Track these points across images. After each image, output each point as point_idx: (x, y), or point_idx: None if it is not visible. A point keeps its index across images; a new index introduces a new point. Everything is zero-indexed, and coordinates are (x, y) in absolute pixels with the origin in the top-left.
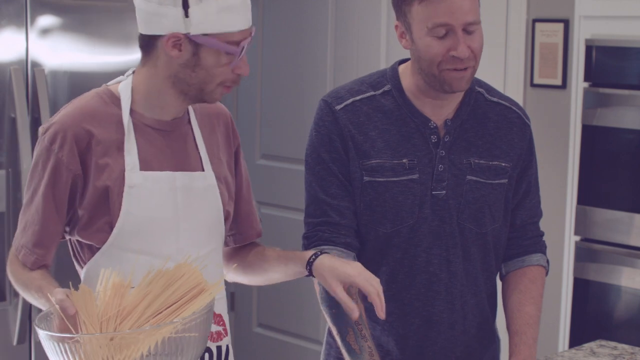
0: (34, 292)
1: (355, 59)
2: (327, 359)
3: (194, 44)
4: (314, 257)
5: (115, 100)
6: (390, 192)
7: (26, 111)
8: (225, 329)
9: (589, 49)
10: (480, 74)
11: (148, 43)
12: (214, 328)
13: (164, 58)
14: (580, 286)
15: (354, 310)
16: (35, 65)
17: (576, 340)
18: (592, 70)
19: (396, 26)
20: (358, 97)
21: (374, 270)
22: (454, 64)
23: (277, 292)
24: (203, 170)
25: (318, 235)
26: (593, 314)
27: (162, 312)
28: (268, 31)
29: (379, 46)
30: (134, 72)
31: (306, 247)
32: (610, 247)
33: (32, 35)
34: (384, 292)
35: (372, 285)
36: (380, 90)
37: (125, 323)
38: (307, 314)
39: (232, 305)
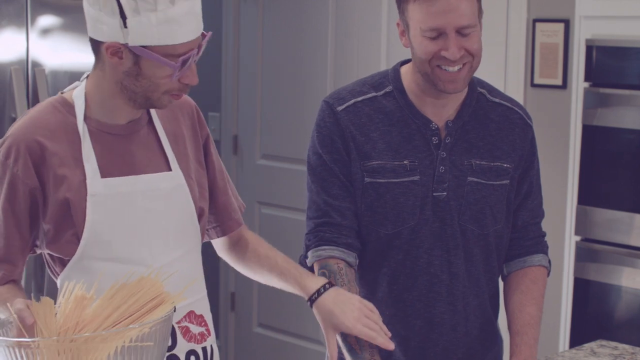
0: (0, 306)
1: (355, 59)
2: None
3: (134, 54)
4: (316, 295)
5: (70, 108)
6: (391, 194)
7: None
8: (208, 329)
9: (589, 49)
10: (480, 74)
11: (94, 47)
12: (196, 329)
13: (108, 64)
14: (581, 286)
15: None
16: (36, 65)
17: (577, 340)
18: (593, 70)
19: (397, 24)
20: (360, 98)
21: (375, 272)
22: (444, 62)
23: (277, 292)
24: (170, 170)
25: (319, 235)
26: (593, 314)
27: (120, 322)
28: (268, 31)
29: (380, 46)
30: (87, 78)
31: (308, 247)
32: (610, 247)
33: (33, 35)
34: (386, 294)
35: (372, 329)
36: (382, 92)
37: (83, 333)
38: (308, 314)
39: (232, 306)
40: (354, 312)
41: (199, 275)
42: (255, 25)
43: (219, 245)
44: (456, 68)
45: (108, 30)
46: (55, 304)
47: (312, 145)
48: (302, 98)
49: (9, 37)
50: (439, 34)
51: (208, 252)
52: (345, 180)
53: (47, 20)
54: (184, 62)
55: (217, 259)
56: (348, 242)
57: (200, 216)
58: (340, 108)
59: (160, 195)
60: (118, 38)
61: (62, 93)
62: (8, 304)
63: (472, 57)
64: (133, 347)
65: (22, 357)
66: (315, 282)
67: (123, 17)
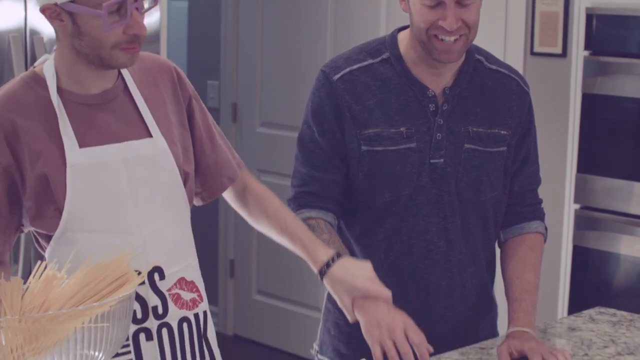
0: None
1: (355, 24)
2: (326, 324)
3: (68, 12)
4: (325, 268)
5: (41, 82)
6: (388, 161)
7: None
8: (200, 295)
9: (589, 17)
10: (480, 42)
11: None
12: (188, 296)
13: (58, 30)
14: (580, 254)
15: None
16: (34, 33)
17: (575, 307)
18: (593, 38)
19: None
20: (355, 66)
21: (372, 239)
22: (441, 32)
23: (276, 259)
24: (151, 136)
25: (298, 201)
26: (592, 282)
27: (83, 302)
28: None
29: (379, 11)
30: (55, 50)
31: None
32: (609, 215)
33: (31, 3)
34: (382, 261)
35: (383, 294)
36: (379, 58)
37: (45, 317)
38: (307, 281)
39: (231, 273)
40: (366, 272)
41: (188, 241)
42: None
43: (227, 196)
44: (452, 39)
45: None
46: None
47: (305, 114)
48: (301, 65)
49: (7, 5)
50: (438, 3)
51: (207, 220)
52: (330, 152)
53: None
54: (118, 11)
55: (216, 226)
56: (326, 207)
57: (185, 181)
58: (336, 77)
59: (143, 162)
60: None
61: (33, 67)
62: None
63: (469, 30)
64: (92, 328)
65: None
66: (324, 253)
67: None
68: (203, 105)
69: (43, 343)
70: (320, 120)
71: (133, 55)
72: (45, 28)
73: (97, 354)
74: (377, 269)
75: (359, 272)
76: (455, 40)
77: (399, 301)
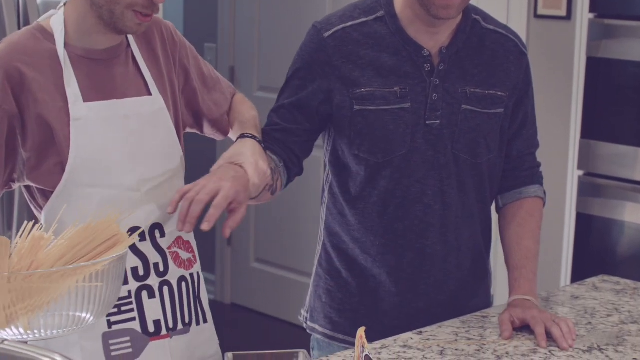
0: None
1: None
2: (316, 290)
3: None
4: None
5: (48, 35)
6: (381, 121)
7: None
8: (194, 256)
9: None
10: (482, 5)
11: None
12: (185, 255)
13: None
14: (583, 221)
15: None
16: None
17: (579, 275)
18: (598, 0)
19: None
20: (349, 24)
21: (365, 201)
22: None
23: (274, 226)
24: (150, 94)
25: (269, 137)
26: (596, 249)
27: (73, 262)
28: None
29: None
30: (65, 5)
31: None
32: (614, 182)
33: None
34: (376, 224)
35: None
36: (373, 16)
37: (35, 275)
38: (304, 249)
39: (229, 240)
40: (259, 157)
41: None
42: None
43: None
44: None
45: None
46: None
47: (291, 65)
48: (300, 28)
49: None
50: None
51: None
52: (297, 107)
53: None
54: None
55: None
56: (275, 150)
57: (179, 138)
58: (327, 34)
59: (143, 119)
60: None
61: (38, 22)
62: None
63: None
64: (85, 287)
65: None
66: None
67: None
68: (195, 53)
69: (35, 302)
70: (302, 75)
71: (142, 24)
72: None
73: (87, 315)
74: (371, 231)
75: (253, 151)
76: None
77: (393, 265)
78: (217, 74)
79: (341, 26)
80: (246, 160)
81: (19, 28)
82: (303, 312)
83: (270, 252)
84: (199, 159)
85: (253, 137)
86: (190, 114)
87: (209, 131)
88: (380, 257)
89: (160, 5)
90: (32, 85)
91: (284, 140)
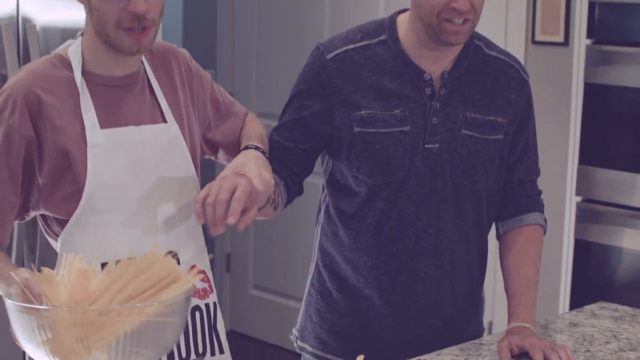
0: None
1: (353, 15)
2: (308, 309)
3: None
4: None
5: (66, 63)
6: (380, 144)
7: (17, 68)
8: (210, 286)
9: (591, 5)
10: (481, 30)
11: None
12: (200, 285)
13: (84, 7)
14: (582, 247)
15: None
16: (27, 21)
17: (577, 302)
18: (595, 27)
19: None
20: (351, 46)
21: (360, 222)
22: (452, 15)
23: (273, 253)
24: (165, 122)
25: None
26: (594, 276)
27: (134, 298)
28: None
29: (378, 1)
30: (82, 34)
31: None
32: (612, 208)
33: None
34: (370, 245)
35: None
36: (376, 40)
37: (99, 306)
38: (303, 276)
39: (227, 267)
40: (264, 169)
41: (199, 229)
42: None
43: None
44: (461, 20)
45: None
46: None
47: (294, 85)
48: (299, 55)
49: None
50: None
51: None
52: (299, 125)
53: None
54: None
55: None
56: (279, 171)
57: (196, 167)
58: (329, 56)
59: (160, 146)
60: None
61: (57, 52)
62: (12, 273)
63: (475, 14)
64: (149, 325)
65: (36, 326)
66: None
67: None
68: (209, 80)
69: (104, 335)
70: (306, 96)
71: (138, 41)
72: (38, 15)
73: (149, 352)
74: (364, 252)
75: (257, 162)
76: (464, 22)
77: (385, 287)
78: (230, 97)
79: (343, 48)
80: (249, 170)
81: (19, 55)
82: (294, 331)
83: (269, 279)
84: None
85: (257, 148)
86: (207, 143)
87: (223, 157)
88: (373, 278)
89: (160, 33)
90: (50, 112)
91: (284, 159)
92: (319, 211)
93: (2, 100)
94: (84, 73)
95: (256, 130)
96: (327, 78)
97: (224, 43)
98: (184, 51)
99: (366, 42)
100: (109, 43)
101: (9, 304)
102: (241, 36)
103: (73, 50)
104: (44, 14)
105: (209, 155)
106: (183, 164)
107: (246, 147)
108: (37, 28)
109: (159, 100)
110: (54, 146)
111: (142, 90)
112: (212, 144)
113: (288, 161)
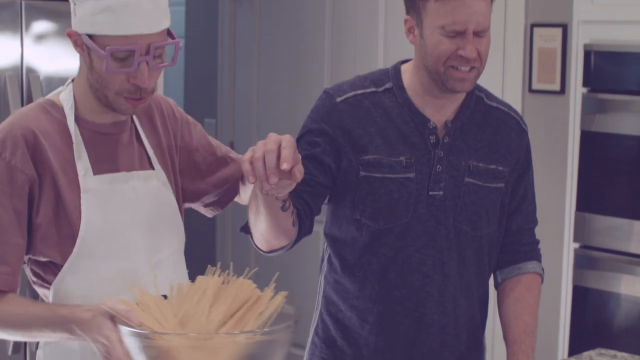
0: (40, 324)
1: (352, 65)
2: (312, 358)
3: (85, 44)
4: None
5: (59, 109)
6: (385, 189)
7: None
8: None
9: (587, 54)
10: (478, 79)
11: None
12: None
13: (80, 57)
14: (580, 294)
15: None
16: (31, 71)
17: (575, 348)
18: (591, 75)
19: (406, 20)
20: (360, 92)
21: (365, 268)
22: (459, 62)
23: (274, 273)
24: (153, 168)
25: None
26: (592, 322)
27: (230, 319)
28: (264, 36)
29: (377, 55)
30: (73, 81)
31: None
32: (609, 255)
33: (27, 41)
34: (375, 291)
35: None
36: (382, 88)
37: (194, 328)
38: (305, 294)
39: None
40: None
41: (184, 271)
42: (252, 30)
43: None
44: (468, 68)
45: (73, 19)
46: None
47: (302, 126)
48: (299, 104)
49: (4, 43)
50: (458, 33)
51: (204, 235)
52: (308, 162)
53: (41, 26)
54: (125, 59)
55: (214, 241)
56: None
57: (180, 213)
58: (339, 99)
59: (149, 192)
60: (75, 27)
61: (47, 98)
62: (105, 305)
63: (480, 62)
64: (259, 346)
65: (156, 354)
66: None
67: (74, 3)
68: (200, 130)
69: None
70: (316, 134)
71: (135, 107)
72: (42, 66)
73: None
74: (369, 298)
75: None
76: (470, 69)
77: (389, 333)
78: (225, 147)
79: (352, 93)
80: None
81: (22, 104)
82: None
83: None
84: None
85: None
86: (192, 190)
87: (205, 207)
88: (377, 324)
89: (161, 81)
90: (47, 153)
91: (297, 189)
92: (322, 260)
93: (0, 141)
94: (76, 119)
95: None
96: (338, 119)
97: (225, 93)
98: (168, 99)
99: (373, 89)
100: (105, 103)
101: (125, 330)
102: (241, 86)
103: (65, 97)
104: (47, 65)
105: (189, 203)
106: (170, 209)
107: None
108: (41, 78)
109: (146, 147)
110: (53, 187)
111: (130, 137)
112: (198, 193)
113: (302, 192)
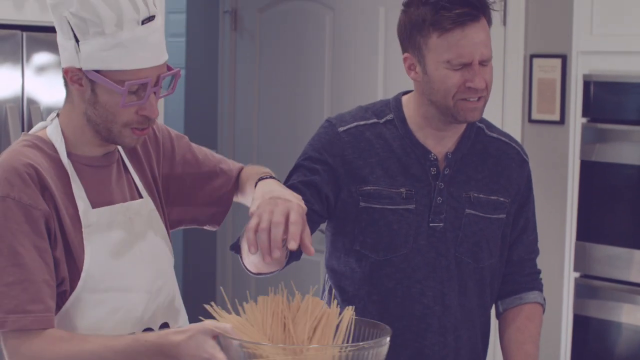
0: (123, 357)
1: (352, 97)
2: None
3: (90, 79)
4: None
5: (48, 145)
6: (385, 220)
7: None
8: None
9: (586, 84)
10: None
11: (63, 77)
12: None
13: (74, 93)
14: (580, 323)
15: None
16: (31, 102)
17: None
18: (590, 105)
19: (405, 58)
20: (362, 122)
21: (365, 299)
22: (468, 94)
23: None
24: (142, 197)
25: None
26: (593, 351)
27: (311, 336)
28: (264, 68)
29: (377, 74)
30: (57, 115)
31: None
32: (610, 284)
33: (28, 72)
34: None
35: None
36: (383, 119)
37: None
38: None
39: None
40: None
41: (180, 299)
42: (252, 60)
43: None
44: (477, 98)
45: (67, 55)
46: None
47: (302, 153)
48: (299, 133)
49: (5, 74)
50: (463, 65)
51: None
52: (306, 188)
53: (42, 57)
54: (137, 91)
55: (214, 266)
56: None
57: (169, 239)
58: (342, 129)
59: (143, 221)
60: (75, 62)
61: (26, 134)
62: (207, 324)
63: (487, 91)
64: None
65: None
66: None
67: (77, 40)
68: (186, 142)
69: None
70: (316, 162)
71: (139, 138)
72: (43, 97)
73: None
74: None
75: (283, 187)
76: (479, 99)
77: None
78: (218, 156)
79: (354, 124)
80: (287, 195)
81: None
82: None
83: None
84: None
85: (272, 177)
86: (182, 218)
87: (206, 227)
88: None
89: (161, 113)
90: (51, 188)
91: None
92: (323, 291)
93: (4, 181)
94: (68, 154)
95: (262, 169)
96: (340, 149)
97: (225, 124)
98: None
99: (375, 120)
100: (105, 136)
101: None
102: (241, 117)
103: (52, 132)
104: (48, 96)
105: (184, 226)
106: (162, 236)
107: (261, 178)
108: (42, 109)
109: (133, 176)
110: (58, 222)
111: (119, 168)
112: (186, 220)
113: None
